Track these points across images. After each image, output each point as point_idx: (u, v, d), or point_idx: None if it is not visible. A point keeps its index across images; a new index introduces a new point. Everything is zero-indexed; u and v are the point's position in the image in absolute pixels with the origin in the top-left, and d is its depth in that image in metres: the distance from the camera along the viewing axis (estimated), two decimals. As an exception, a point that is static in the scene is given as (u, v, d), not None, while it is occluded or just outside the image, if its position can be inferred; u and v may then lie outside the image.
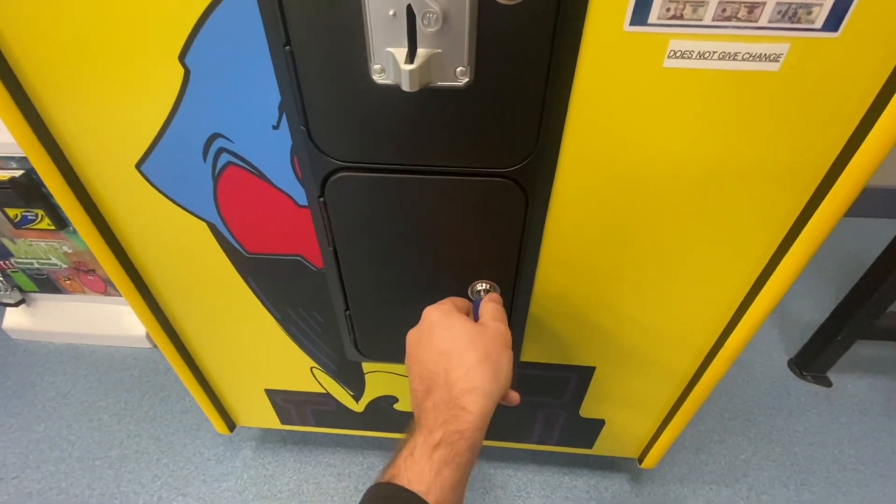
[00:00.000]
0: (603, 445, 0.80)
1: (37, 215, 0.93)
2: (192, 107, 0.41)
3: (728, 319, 0.55)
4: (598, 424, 0.76)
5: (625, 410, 0.73)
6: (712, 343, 0.58)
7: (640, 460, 0.81)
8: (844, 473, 0.90)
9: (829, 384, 1.05)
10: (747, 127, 0.38)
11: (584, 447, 0.81)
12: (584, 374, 0.66)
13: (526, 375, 0.67)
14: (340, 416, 0.79)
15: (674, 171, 0.41)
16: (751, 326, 0.53)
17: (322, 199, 0.45)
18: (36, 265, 1.05)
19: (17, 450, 0.93)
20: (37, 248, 1.01)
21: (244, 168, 0.46)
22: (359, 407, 0.77)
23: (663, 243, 0.47)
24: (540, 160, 0.41)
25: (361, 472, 0.90)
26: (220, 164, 0.46)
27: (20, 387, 1.05)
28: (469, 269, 0.51)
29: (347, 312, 0.57)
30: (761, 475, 0.90)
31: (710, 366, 0.61)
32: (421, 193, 0.44)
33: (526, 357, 0.63)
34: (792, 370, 1.08)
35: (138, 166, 0.47)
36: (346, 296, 0.55)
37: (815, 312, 1.07)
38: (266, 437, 0.95)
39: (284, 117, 0.41)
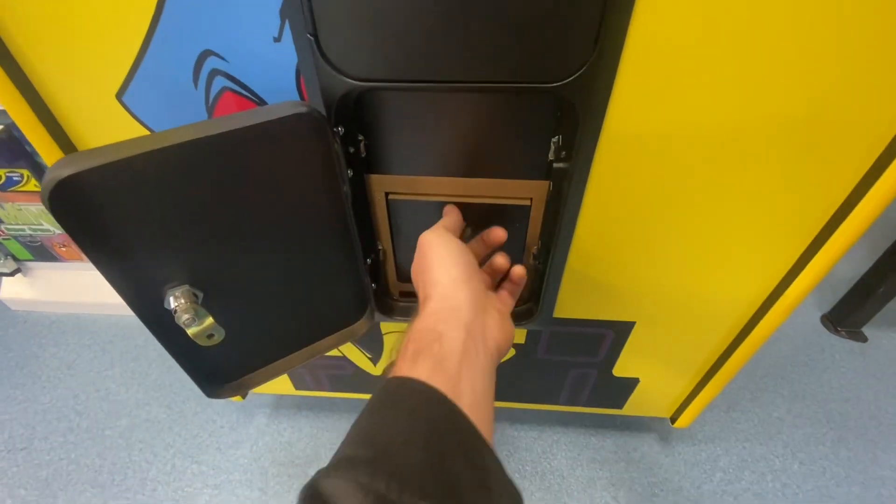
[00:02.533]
0: (634, 405, 0.76)
1: (22, 176, 0.86)
2: (175, 16, 0.34)
3: (777, 282, 0.51)
4: (632, 383, 0.71)
5: (661, 369, 0.68)
6: (759, 304, 0.54)
7: (673, 420, 0.77)
8: (881, 430, 0.87)
9: (864, 339, 1.01)
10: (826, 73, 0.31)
11: (615, 407, 0.78)
12: (622, 331, 0.60)
13: (560, 334, 0.62)
14: (358, 380, 0.75)
15: (742, 115, 0.35)
16: (800, 292, 0.49)
17: (337, 128, 0.38)
18: (28, 231, 0.99)
19: (24, 421, 0.90)
20: (27, 213, 0.95)
21: (242, 95, 0.39)
22: (377, 370, 0.73)
23: (719, 198, 0.42)
24: (595, 74, 0.34)
25: (380, 437, 0.87)
26: (214, 91, 0.39)
27: (23, 358, 1.01)
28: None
29: (369, 260, 0.51)
30: (796, 433, 0.86)
31: (755, 328, 0.57)
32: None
33: (561, 313, 0.58)
34: (825, 326, 1.03)
35: (119, 96, 0.40)
36: (364, 243, 0.49)
37: (849, 267, 1.00)
38: (280, 404, 0.92)
39: (287, 25, 0.34)
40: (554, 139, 0.41)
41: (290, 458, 0.85)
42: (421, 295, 0.36)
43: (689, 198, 0.42)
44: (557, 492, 0.80)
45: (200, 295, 0.41)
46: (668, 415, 0.78)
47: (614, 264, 0.51)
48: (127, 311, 0.42)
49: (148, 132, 0.42)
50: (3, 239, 1.02)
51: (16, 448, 0.86)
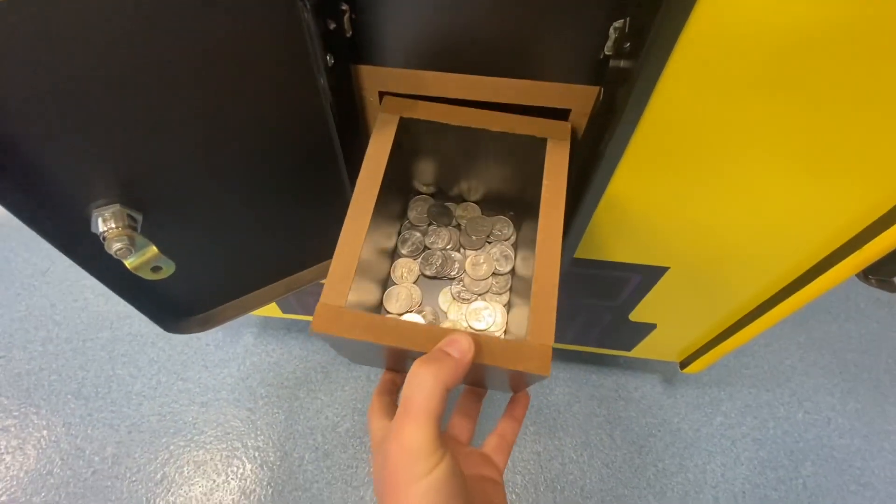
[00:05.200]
0: (645, 349, 0.71)
1: None
2: None
3: (832, 251, 0.44)
4: (647, 329, 0.65)
5: (682, 318, 0.62)
6: (805, 270, 0.47)
7: (683, 366, 0.72)
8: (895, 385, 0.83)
9: (894, 289, 0.94)
10: None
11: (623, 349, 0.73)
12: (650, 276, 0.53)
13: (578, 275, 0.54)
14: (348, 309, 0.69)
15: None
16: (855, 266, 0.43)
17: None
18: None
19: (1, 329, 0.86)
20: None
21: None
22: (369, 301, 0.66)
23: (789, 143, 0.33)
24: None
25: (373, 363, 0.84)
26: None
27: (-6, 262, 0.95)
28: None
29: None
30: (806, 382, 0.83)
31: (795, 293, 0.50)
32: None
33: (585, 253, 0.49)
34: (854, 272, 0.96)
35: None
36: (350, 158, 0.39)
37: None
38: (267, 325, 0.87)
39: None
40: (616, 24, 0.29)
41: (280, 378, 0.82)
42: None
43: (771, 128, 0.32)
44: (552, 426, 0.78)
45: (139, 218, 0.32)
46: (678, 360, 0.73)
47: (657, 202, 0.42)
48: None
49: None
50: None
51: (-6, 355, 0.83)
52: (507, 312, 0.40)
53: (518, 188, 0.41)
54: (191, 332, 0.44)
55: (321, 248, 0.46)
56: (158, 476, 0.72)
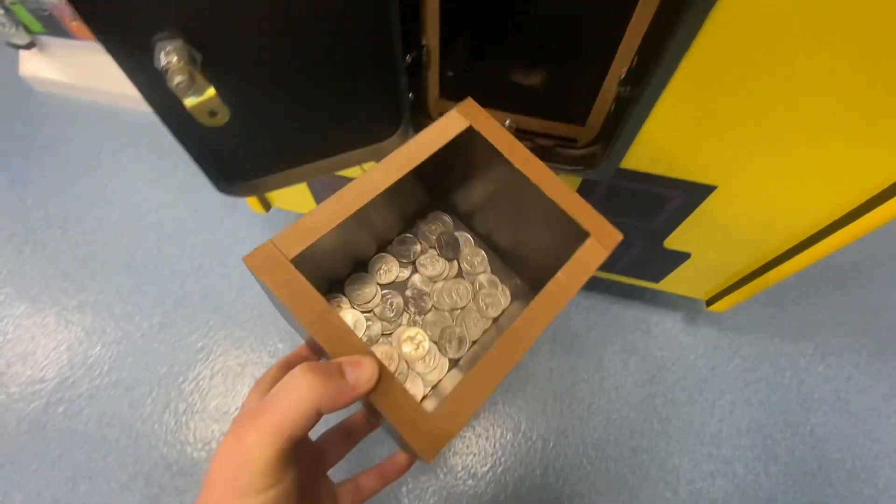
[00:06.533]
0: (674, 281, 0.71)
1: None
2: None
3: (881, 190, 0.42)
4: (681, 258, 0.65)
5: (720, 248, 0.60)
6: (852, 208, 0.46)
7: (709, 303, 0.72)
8: (927, 351, 0.81)
9: (949, 258, 0.89)
10: None
11: (651, 280, 0.72)
12: (695, 196, 0.51)
13: (619, 189, 0.53)
14: (383, 210, 0.70)
15: None
16: None
17: None
18: (33, -5, 0.88)
19: (58, 202, 0.92)
20: (27, -29, 0.83)
21: None
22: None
23: (855, 67, 0.28)
24: None
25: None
26: None
27: (51, 142, 1.00)
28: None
29: (410, 58, 0.41)
30: (832, 339, 0.82)
31: (837, 231, 0.48)
32: None
33: (630, 164, 0.48)
34: (909, 236, 0.91)
35: None
36: (405, 32, 0.38)
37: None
38: (303, 224, 0.90)
39: None
40: None
41: (312, 276, 0.86)
42: None
43: (838, 51, 0.29)
44: (568, 347, 0.80)
45: (199, 57, 0.33)
46: (705, 297, 0.72)
47: (716, 109, 0.40)
48: (149, 108, 0.35)
49: None
50: (11, 3, 0.92)
51: (53, 225, 0.89)
52: (448, 368, 0.37)
53: (540, 260, 0.37)
54: (237, 196, 0.46)
55: (369, 130, 0.46)
56: (199, 346, 0.78)
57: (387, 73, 0.41)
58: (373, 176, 0.29)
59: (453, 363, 0.37)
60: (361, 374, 0.22)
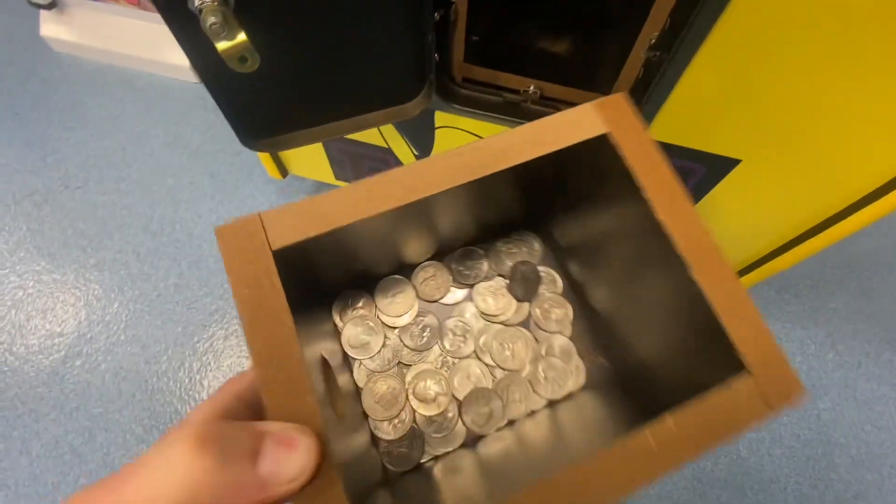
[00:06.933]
0: (688, 262, 0.71)
1: None
2: None
3: None
4: (697, 238, 0.64)
5: (738, 226, 0.60)
6: (875, 188, 0.45)
7: (723, 285, 0.72)
8: (941, 343, 0.80)
9: (969, 252, 0.88)
10: None
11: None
12: (718, 169, 0.51)
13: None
14: (400, 178, 0.70)
15: None
16: None
17: None
18: (55, -48, 0.88)
19: (77, 162, 0.93)
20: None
21: None
22: (422, 171, 0.67)
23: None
24: None
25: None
26: None
27: (70, 103, 1.00)
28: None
29: (437, 15, 0.41)
30: (845, 326, 0.81)
31: (858, 211, 0.48)
32: None
33: (652, 134, 0.47)
34: (930, 229, 0.89)
35: None
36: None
37: None
38: (321, 190, 0.90)
39: None
40: None
41: (325, 245, 0.87)
42: None
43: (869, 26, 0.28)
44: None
45: (231, 1, 0.33)
46: (719, 279, 0.72)
47: (749, 78, 0.39)
48: (168, 72, 0.35)
49: None
50: (33, -40, 0.92)
51: (72, 186, 0.90)
52: (461, 443, 0.26)
53: (646, 350, 0.26)
54: (262, 151, 0.47)
55: (393, 90, 0.46)
56: (213, 307, 0.79)
57: (415, 29, 0.40)
58: (448, 161, 0.20)
59: (470, 438, 0.27)
60: (285, 466, 0.14)
